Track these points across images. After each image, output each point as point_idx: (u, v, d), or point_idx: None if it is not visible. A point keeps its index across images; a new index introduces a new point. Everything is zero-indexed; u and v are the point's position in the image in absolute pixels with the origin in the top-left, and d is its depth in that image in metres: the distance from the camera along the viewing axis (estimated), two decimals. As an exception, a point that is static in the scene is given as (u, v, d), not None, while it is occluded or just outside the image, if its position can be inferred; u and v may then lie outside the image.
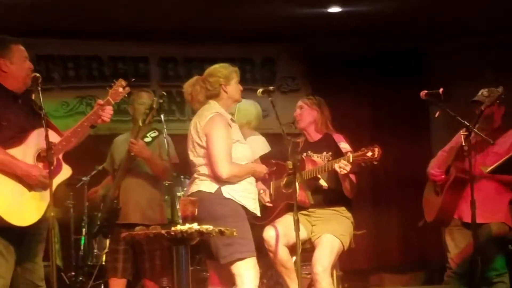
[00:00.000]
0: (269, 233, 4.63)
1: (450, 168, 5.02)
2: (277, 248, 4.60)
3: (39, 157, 3.97)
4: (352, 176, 4.64)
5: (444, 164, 5.09)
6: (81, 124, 4.11)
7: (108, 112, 4.15)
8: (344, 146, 4.69)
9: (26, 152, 3.94)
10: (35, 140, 3.97)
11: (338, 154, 4.64)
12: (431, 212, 5.15)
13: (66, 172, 4.05)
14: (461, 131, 4.81)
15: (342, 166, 4.45)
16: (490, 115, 4.90)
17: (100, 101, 4.18)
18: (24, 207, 3.89)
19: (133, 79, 4.42)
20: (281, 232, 4.59)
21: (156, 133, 4.96)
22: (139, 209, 5.06)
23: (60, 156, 4.03)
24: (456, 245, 5.02)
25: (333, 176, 4.67)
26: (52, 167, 3.85)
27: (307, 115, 4.91)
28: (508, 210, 4.96)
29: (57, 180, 3.96)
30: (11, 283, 3.98)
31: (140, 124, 4.93)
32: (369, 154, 4.37)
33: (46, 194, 3.87)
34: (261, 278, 4.47)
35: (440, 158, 5.22)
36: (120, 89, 4.24)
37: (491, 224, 4.87)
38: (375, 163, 4.38)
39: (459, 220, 5.00)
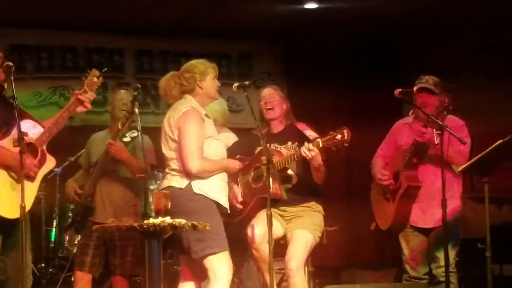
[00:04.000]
0: (252, 231, 4.62)
1: (399, 175, 4.96)
2: (260, 245, 4.58)
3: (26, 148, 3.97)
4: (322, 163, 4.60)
5: (391, 166, 5.04)
6: (61, 115, 4.13)
7: (88, 98, 4.16)
8: (310, 133, 4.65)
9: (11, 144, 3.93)
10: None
11: (303, 143, 4.56)
12: (385, 220, 5.10)
13: (50, 163, 4.09)
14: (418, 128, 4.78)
15: (309, 148, 4.41)
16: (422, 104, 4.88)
17: (78, 92, 4.19)
18: (13, 200, 3.89)
19: (105, 69, 4.40)
20: (264, 230, 4.50)
21: (136, 134, 4.91)
22: (112, 210, 5.04)
23: (44, 147, 4.06)
24: (409, 247, 5.01)
25: (301, 169, 4.66)
26: (37, 159, 3.96)
27: (279, 105, 4.84)
28: (459, 199, 4.95)
29: (43, 171, 4.03)
30: (5, 276, 4.01)
31: (120, 127, 4.89)
32: (339, 137, 4.33)
33: (33, 186, 3.93)
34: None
35: (381, 160, 5.18)
36: (95, 79, 4.24)
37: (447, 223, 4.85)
38: (346, 145, 4.33)
39: (413, 225, 4.98)
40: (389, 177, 5.01)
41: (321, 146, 4.41)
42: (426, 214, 4.88)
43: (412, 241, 4.99)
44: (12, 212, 3.87)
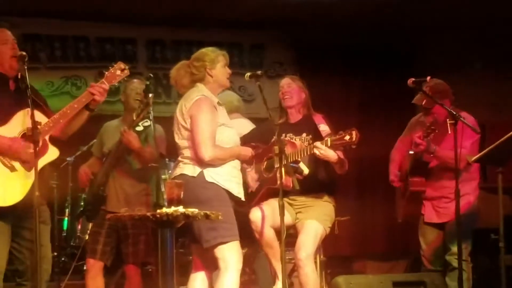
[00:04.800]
0: (255, 214, 4.62)
1: (407, 178, 5.03)
2: (264, 228, 4.58)
3: (24, 137, 3.92)
4: (340, 153, 4.60)
5: (405, 162, 5.09)
6: (70, 106, 4.05)
7: (98, 91, 4.06)
8: (324, 128, 4.65)
9: (9, 131, 3.91)
10: (19, 120, 3.93)
11: (318, 135, 4.60)
12: (399, 213, 5.23)
13: (52, 153, 3.99)
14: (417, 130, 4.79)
15: (317, 147, 4.43)
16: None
17: (93, 84, 4.13)
18: (6, 187, 3.86)
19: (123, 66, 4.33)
20: (267, 213, 4.57)
21: (149, 123, 4.92)
22: (125, 199, 5.05)
23: (47, 138, 3.97)
24: (426, 241, 5.08)
25: (314, 162, 4.65)
26: (37, 148, 3.80)
27: (297, 94, 4.85)
28: (472, 193, 4.98)
29: (43, 161, 3.92)
30: (24, 266, 4.01)
31: (135, 117, 4.88)
32: (347, 138, 4.33)
33: (30, 174, 3.84)
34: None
35: (398, 156, 5.23)
36: (118, 72, 4.16)
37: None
38: (353, 146, 4.35)
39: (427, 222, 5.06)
40: (398, 181, 5.14)
41: (329, 145, 4.41)
42: (439, 210, 4.96)
43: (428, 236, 5.07)
44: (4, 200, 3.83)
